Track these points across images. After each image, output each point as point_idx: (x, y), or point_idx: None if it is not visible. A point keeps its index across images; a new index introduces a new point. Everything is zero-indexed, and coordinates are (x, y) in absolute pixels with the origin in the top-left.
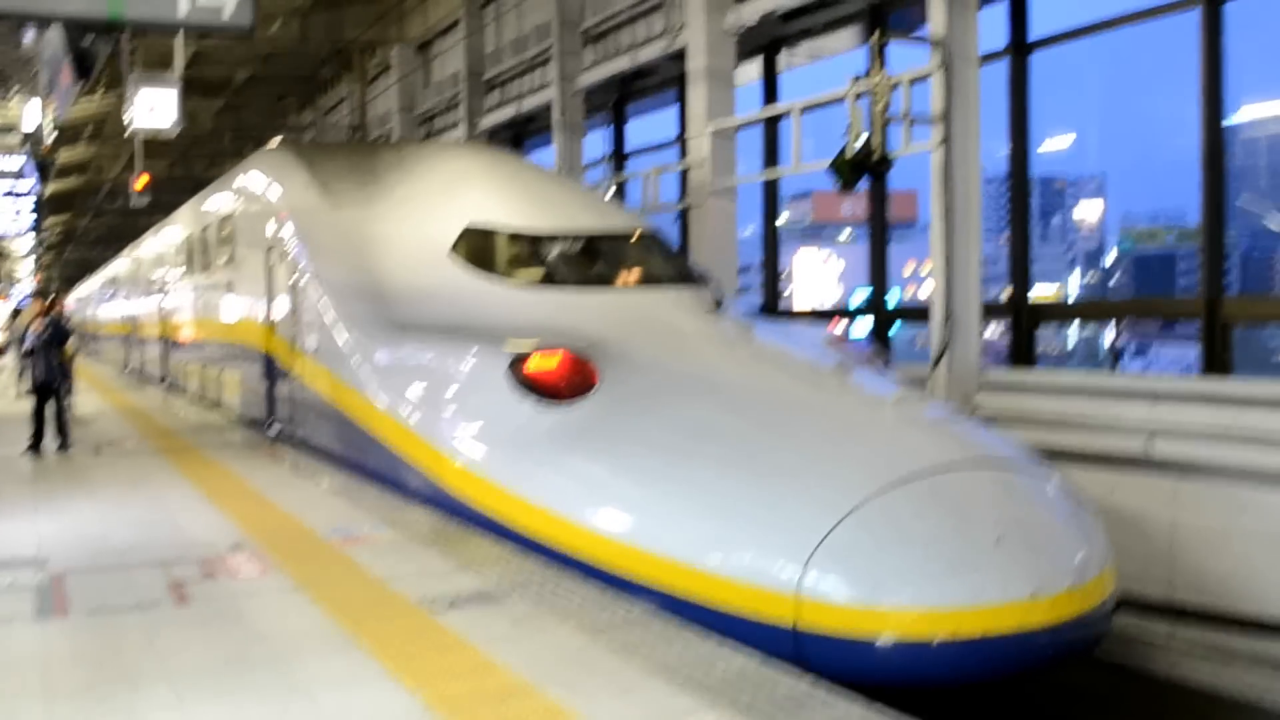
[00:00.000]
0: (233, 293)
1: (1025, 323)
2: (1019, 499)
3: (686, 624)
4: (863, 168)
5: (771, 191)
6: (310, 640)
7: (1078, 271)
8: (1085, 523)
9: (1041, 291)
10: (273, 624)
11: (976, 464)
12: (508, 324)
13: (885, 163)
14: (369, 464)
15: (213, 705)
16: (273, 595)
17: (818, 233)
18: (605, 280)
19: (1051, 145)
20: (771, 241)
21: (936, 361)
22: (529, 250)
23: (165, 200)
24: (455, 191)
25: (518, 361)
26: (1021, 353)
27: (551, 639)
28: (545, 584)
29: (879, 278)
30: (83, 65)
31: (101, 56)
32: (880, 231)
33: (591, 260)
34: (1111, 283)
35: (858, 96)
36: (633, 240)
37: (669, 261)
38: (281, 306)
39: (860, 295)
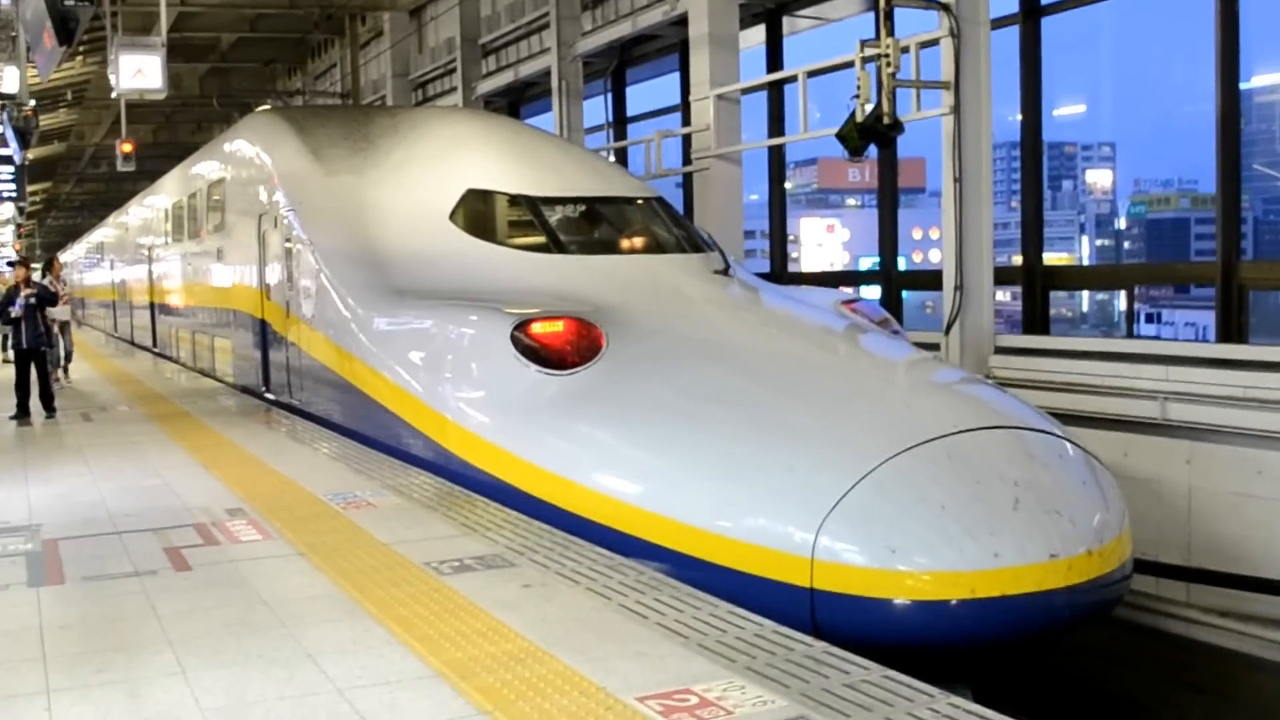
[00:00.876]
0: (224, 259)
1: (1039, 288)
2: (1036, 461)
3: (700, 588)
4: (872, 134)
5: (778, 158)
6: (315, 605)
7: (1088, 237)
8: (1103, 485)
9: (1052, 256)
10: (276, 589)
11: (992, 426)
12: (510, 290)
13: (895, 129)
14: (371, 430)
15: (216, 672)
16: (275, 561)
17: (823, 200)
18: (610, 246)
19: (1063, 111)
20: (779, 208)
21: (949, 327)
22: (532, 215)
23: (150, 166)
24: (454, 156)
25: (522, 327)
26: (1035, 318)
27: (563, 602)
28: (554, 548)
29: (889, 245)
30: (65, 28)
31: (84, 19)
32: (890, 198)
33: (596, 225)
34: (1125, 247)
35: (866, 61)
36: (638, 205)
37: (674, 227)
38: (276, 273)
39: (867, 263)
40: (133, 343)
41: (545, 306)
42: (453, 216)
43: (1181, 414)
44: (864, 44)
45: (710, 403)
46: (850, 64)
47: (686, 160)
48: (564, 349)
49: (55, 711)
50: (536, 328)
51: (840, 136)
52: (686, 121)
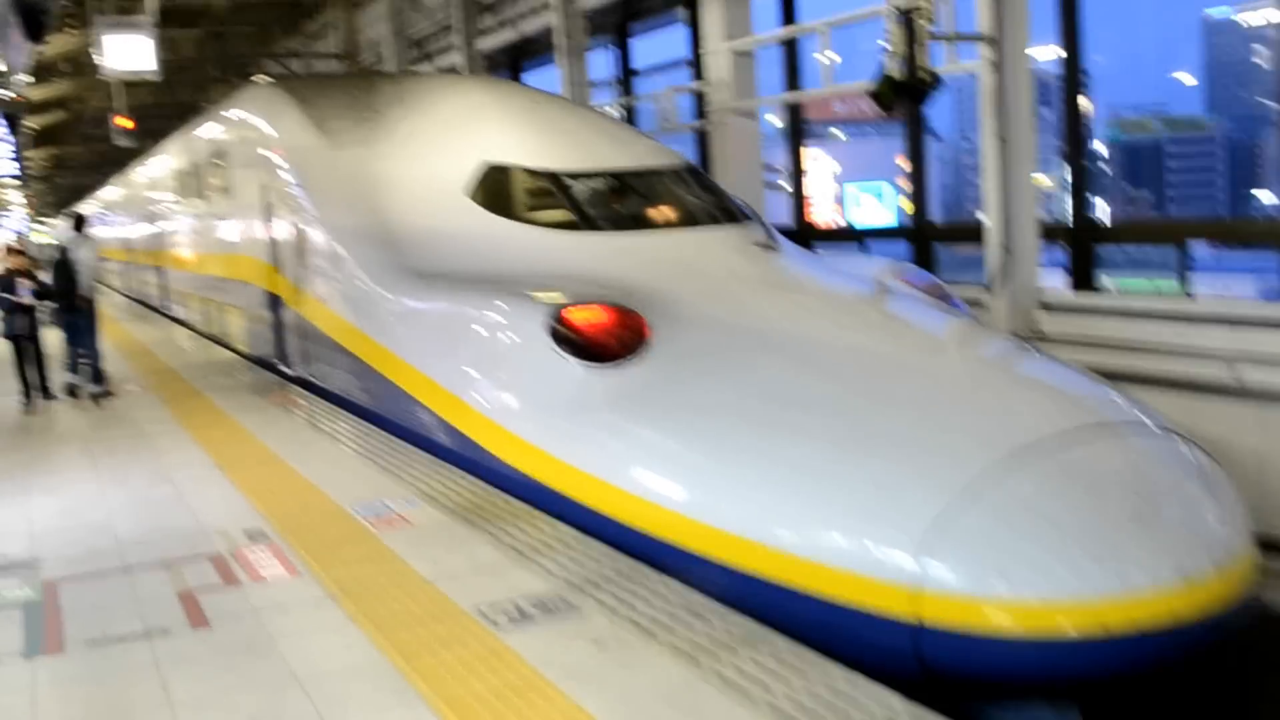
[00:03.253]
0: (230, 232)
1: (1084, 243)
2: (1152, 465)
3: (784, 617)
4: (908, 89)
5: (795, 114)
6: (357, 682)
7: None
8: (1225, 492)
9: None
10: (309, 656)
11: (1104, 429)
12: (537, 271)
13: (933, 84)
14: (391, 414)
15: None
16: (305, 610)
17: (809, 132)
18: (642, 221)
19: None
20: (797, 163)
21: (994, 286)
22: (557, 190)
23: (153, 127)
24: (468, 127)
25: (558, 314)
26: (1081, 274)
27: (645, 669)
28: (618, 580)
29: (919, 199)
30: (34, 22)
31: (53, 12)
32: (917, 152)
33: (626, 200)
34: (1106, 169)
35: (899, 12)
36: (669, 176)
37: (710, 197)
38: (285, 249)
39: (860, 194)
40: (141, 301)
41: (578, 289)
42: (470, 192)
43: (1255, 378)
44: None
45: (782, 404)
46: (875, 14)
47: (697, 115)
48: (605, 339)
49: None
50: (573, 314)
51: (873, 94)
52: (697, 76)
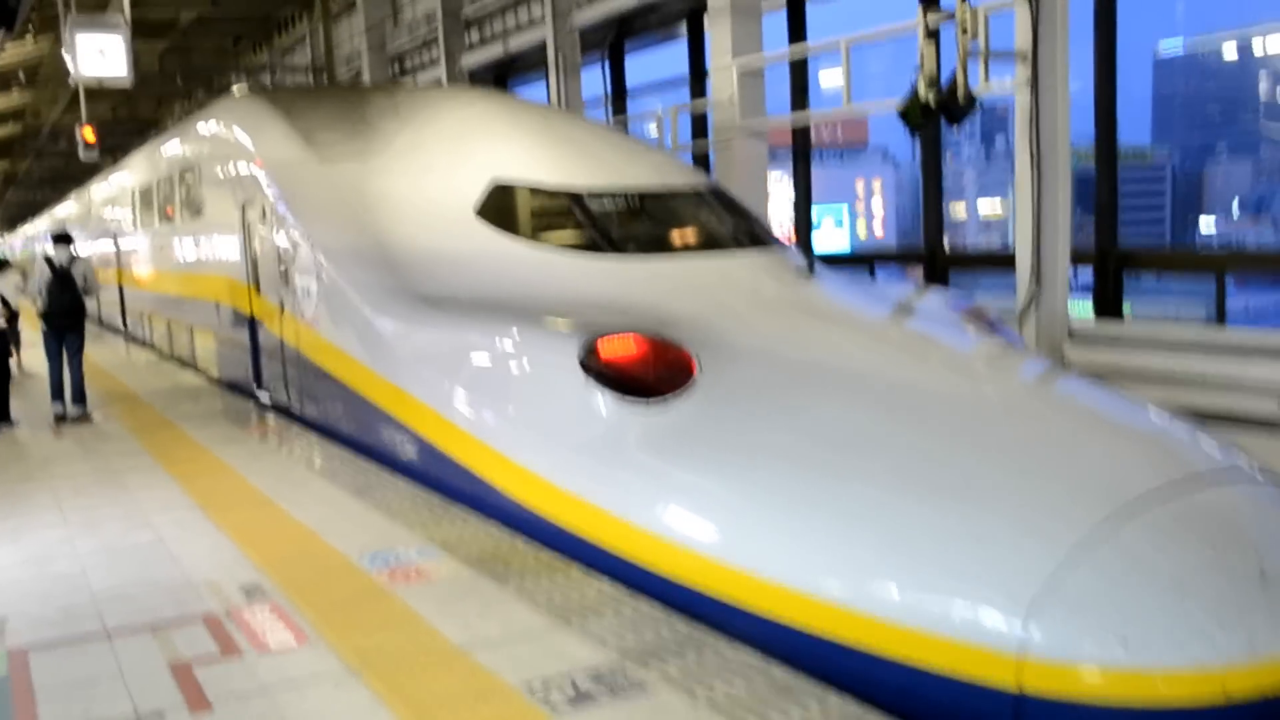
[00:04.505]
0: (205, 249)
1: (1112, 270)
2: (1268, 514)
3: (866, 684)
4: (945, 110)
5: (803, 135)
6: None
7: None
8: None
9: (986, 201)
10: None
11: (1213, 477)
12: (559, 298)
13: (970, 105)
14: (391, 453)
15: None
16: (324, 689)
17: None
18: (671, 245)
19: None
20: (804, 187)
21: (1023, 314)
22: (577, 210)
23: (111, 142)
24: (476, 142)
25: (591, 345)
26: (1108, 302)
27: None
28: (686, 649)
29: (934, 223)
30: (4, 12)
31: (25, 4)
32: (935, 175)
33: (652, 221)
34: None
35: (929, 31)
36: (696, 197)
37: (741, 220)
38: (266, 268)
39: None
40: (100, 322)
41: (610, 319)
42: (480, 211)
43: None
44: (926, 9)
45: (854, 449)
46: (902, 31)
47: (696, 134)
48: (643, 373)
49: None
50: (609, 347)
51: (903, 114)
52: (696, 94)
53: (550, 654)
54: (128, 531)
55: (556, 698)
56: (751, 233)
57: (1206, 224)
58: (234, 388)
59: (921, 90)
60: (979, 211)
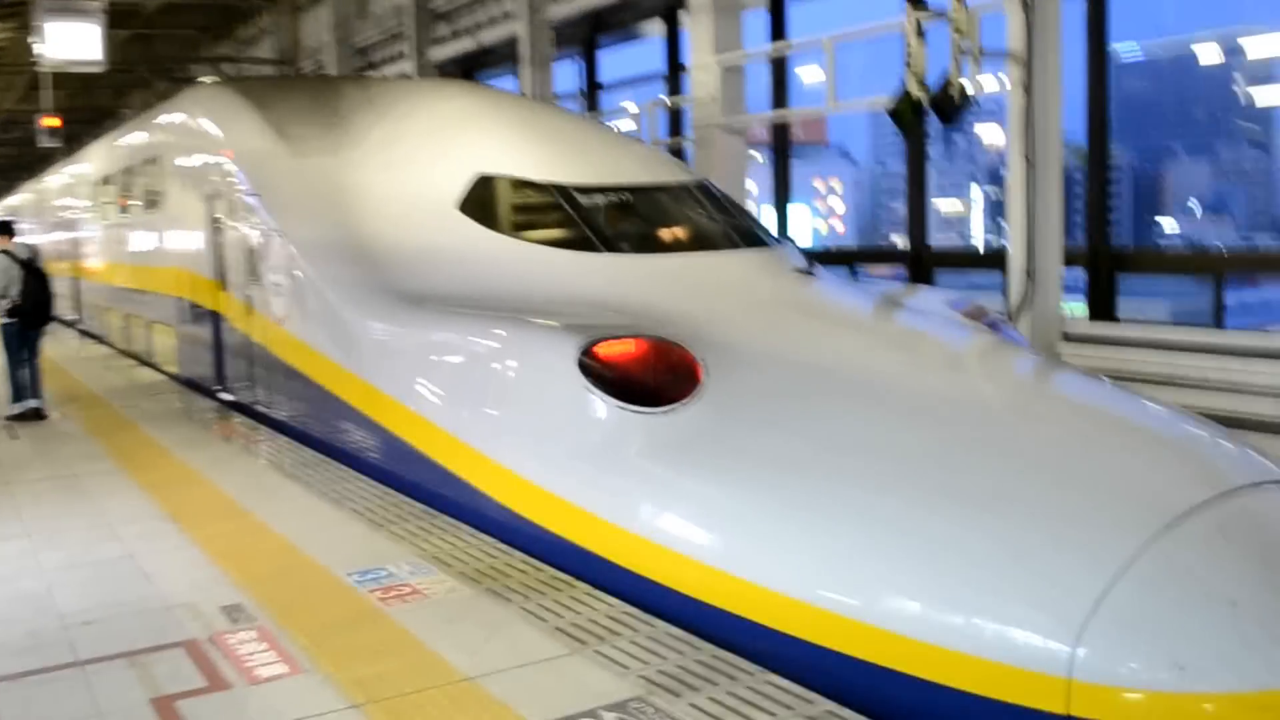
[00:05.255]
0: (166, 242)
1: (1104, 271)
2: None
3: (901, 709)
4: (939, 109)
5: (783, 134)
6: None
7: (978, 185)
8: None
9: (944, 201)
10: None
11: (1258, 489)
12: (550, 298)
13: (965, 103)
14: (370, 456)
15: None
16: None
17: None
18: (666, 243)
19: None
20: (783, 188)
21: (1016, 314)
22: (566, 205)
23: (68, 131)
24: (457, 134)
25: (589, 347)
26: (1101, 303)
27: None
28: (712, 675)
29: (918, 222)
30: None
31: None
32: (918, 174)
33: (643, 218)
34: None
35: (918, 29)
36: (688, 192)
37: (735, 218)
38: (234, 263)
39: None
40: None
41: (607, 321)
42: (463, 205)
43: None
44: (915, 7)
45: (878, 458)
46: (886, 30)
47: (673, 131)
48: (645, 377)
49: None
50: (610, 349)
51: (893, 113)
52: (673, 90)
53: (568, 683)
54: (94, 544)
55: None
56: (747, 230)
57: (1168, 224)
58: (194, 386)
59: (913, 89)
60: (940, 210)
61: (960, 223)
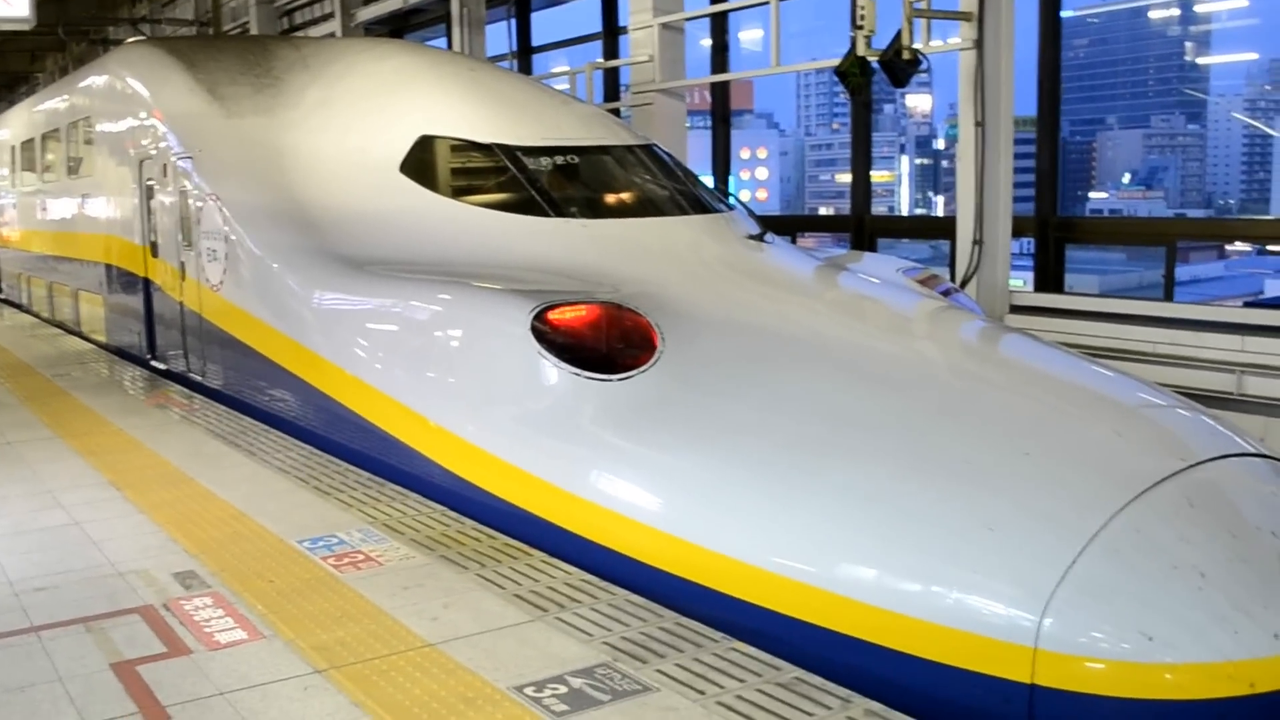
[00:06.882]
0: (91, 208)
1: (1052, 241)
2: None
3: (866, 677)
4: (888, 69)
5: (722, 95)
6: None
7: (908, 157)
8: None
9: (876, 173)
10: None
11: (1226, 460)
12: (498, 262)
13: (914, 64)
14: (315, 425)
15: None
16: (292, 694)
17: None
18: (615, 207)
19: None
20: (723, 151)
21: (965, 283)
22: (512, 167)
23: None
24: (398, 95)
25: (545, 314)
26: (1048, 274)
27: None
28: (678, 642)
29: (862, 189)
30: None
31: None
32: (864, 141)
33: (590, 180)
34: (944, 165)
35: None
36: (636, 155)
37: (686, 182)
38: (164, 228)
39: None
40: None
41: (556, 285)
42: (404, 168)
43: (1259, 389)
44: None
45: (841, 428)
46: None
47: (609, 95)
48: (598, 343)
49: None
50: (563, 315)
51: (840, 73)
52: (609, 53)
53: (532, 650)
54: (38, 511)
55: (553, 702)
56: (700, 195)
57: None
58: (123, 354)
59: (861, 48)
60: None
61: (889, 194)
